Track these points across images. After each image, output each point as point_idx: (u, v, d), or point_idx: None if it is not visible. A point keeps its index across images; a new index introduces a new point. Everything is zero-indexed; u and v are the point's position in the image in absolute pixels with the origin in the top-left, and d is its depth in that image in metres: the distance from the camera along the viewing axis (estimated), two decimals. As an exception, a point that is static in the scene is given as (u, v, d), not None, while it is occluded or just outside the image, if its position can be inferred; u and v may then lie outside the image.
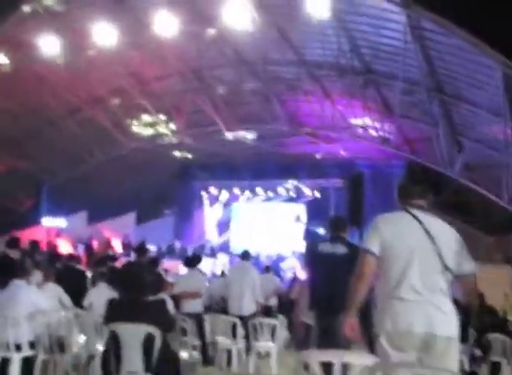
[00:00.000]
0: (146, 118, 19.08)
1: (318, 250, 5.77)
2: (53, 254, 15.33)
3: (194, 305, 8.21)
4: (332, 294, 5.24)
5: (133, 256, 7.99)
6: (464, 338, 3.50)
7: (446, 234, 3.52)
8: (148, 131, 19.37)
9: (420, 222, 3.46)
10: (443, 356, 3.29)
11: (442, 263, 3.39)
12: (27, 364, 6.01)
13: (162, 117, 18.73)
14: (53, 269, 8.33)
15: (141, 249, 8.29)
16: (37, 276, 8.71)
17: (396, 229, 3.51)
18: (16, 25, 14.68)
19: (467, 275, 3.52)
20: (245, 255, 8.78)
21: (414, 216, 3.50)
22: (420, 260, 3.39)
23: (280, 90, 17.07)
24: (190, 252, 22.08)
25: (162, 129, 18.84)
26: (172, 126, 18.48)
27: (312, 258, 6.03)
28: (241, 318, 7.94)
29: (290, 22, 14.50)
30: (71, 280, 8.47)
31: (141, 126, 18.90)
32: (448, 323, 3.34)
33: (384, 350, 3.35)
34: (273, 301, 10.59)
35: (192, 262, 8.86)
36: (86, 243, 21.79)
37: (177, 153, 21.43)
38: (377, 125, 16.17)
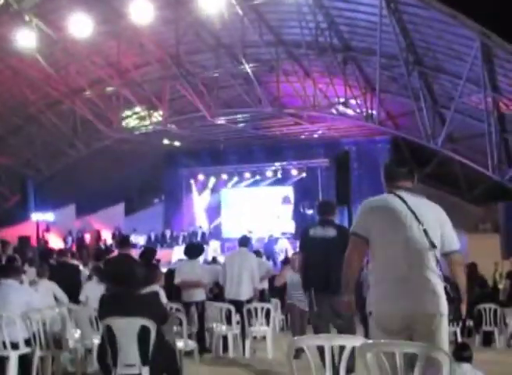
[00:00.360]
0: (128, 107, 18.97)
1: (309, 234, 5.99)
2: (45, 250, 15.30)
3: (196, 294, 8.21)
4: (325, 275, 5.58)
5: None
6: (456, 316, 3.54)
7: (432, 213, 3.59)
8: (131, 121, 19.29)
9: (406, 203, 3.51)
10: (433, 334, 3.36)
11: (429, 241, 3.46)
12: (24, 362, 6.04)
13: (144, 106, 18.62)
14: (46, 266, 8.31)
15: (123, 241, 8.17)
16: (31, 273, 8.71)
17: (383, 211, 3.56)
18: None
19: (453, 252, 3.60)
20: (243, 242, 8.73)
21: (399, 197, 3.55)
22: (407, 240, 3.46)
23: (260, 72, 17.00)
24: (181, 240, 22.15)
25: (145, 117, 18.75)
26: (155, 114, 18.38)
27: (304, 242, 6.19)
28: (238, 303, 7.98)
29: (266, 2, 14.42)
30: (64, 275, 8.45)
31: (123, 116, 18.79)
32: (435, 301, 3.41)
33: (374, 331, 3.43)
34: (265, 285, 10.64)
35: (194, 252, 8.77)
36: (77, 236, 21.77)
37: (162, 141, 21.33)
38: (359, 102, 16.18)
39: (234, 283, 8.15)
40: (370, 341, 3.18)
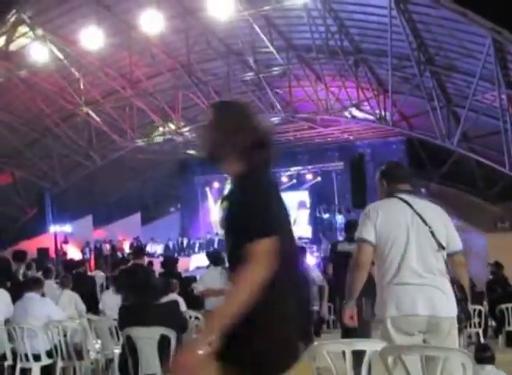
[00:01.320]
0: (141, 117, 19.09)
1: (337, 249, 7.20)
2: (69, 261, 15.39)
3: (217, 303, 8.13)
4: None
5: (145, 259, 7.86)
6: (466, 316, 3.52)
7: (436, 214, 3.59)
8: (145, 130, 19.39)
9: (410, 205, 3.50)
10: (447, 336, 3.36)
11: (436, 242, 3.45)
12: (47, 373, 6.09)
13: (158, 115, 18.73)
14: (70, 277, 8.40)
15: (137, 251, 8.19)
16: (51, 285, 8.78)
17: (388, 215, 3.53)
18: (3, 35, 14.69)
19: (457, 253, 3.59)
20: None
21: (403, 200, 3.53)
22: (416, 242, 3.44)
23: (272, 77, 17.03)
24: (197, 248, 22.20)
25: (159, 127, 18.84)
26: (169, 123, 18.46)
27: (333, 256, 7.43)
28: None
29: (275, 8, 14.44)
30: (81, 286, 8.53)
31: (137, 126, 18.90)
32: (449, 304, 3.40)
33: (390, 335, 3.37)
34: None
35: (218, 258, 8.71)
36: (95, 246, 21.90)
37: (176, 150, 21.42)
38: (372, 104, 16.12)
39: None
40: (391, 345, 3.15)
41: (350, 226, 6.84)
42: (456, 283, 3.45)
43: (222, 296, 8.01)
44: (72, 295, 7.64)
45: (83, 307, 7.63)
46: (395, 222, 3.50)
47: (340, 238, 19.97)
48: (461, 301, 3.42)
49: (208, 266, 9.27)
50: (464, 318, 3.46)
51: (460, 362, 2.92)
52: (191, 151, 22.48)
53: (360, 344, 3.19)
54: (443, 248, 3.45)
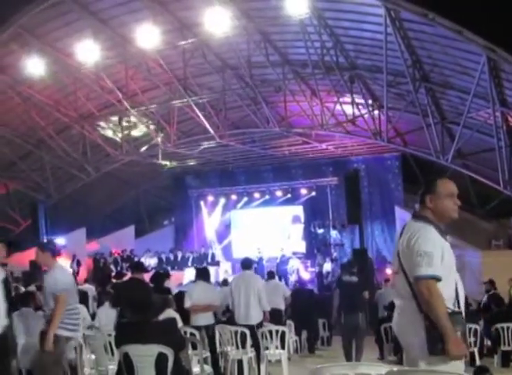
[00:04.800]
0: (136, 130, 19.10)
1: (342, 279, 9.83)
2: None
3: (206, 318, 8.12)
4: (351, 304, 9.40)
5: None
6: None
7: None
8: (139, 144, 19.37)
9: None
10: None
11: None
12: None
13: (152, 128, 18.74)
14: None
15: (137, 266, 8.12)
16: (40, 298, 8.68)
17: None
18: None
19: None
20: (246, 264, 8.56)
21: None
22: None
23: (267, 92, 17.09)
24: (191, 262, 22.09)
25: (153, 140, 18.83)
26: (163, 136, 18.46)
27: (339, 284, 10.00)
28: (249, 327, 7.89)
29: (271, 24, 14.54)
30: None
31: (132, 139, 18.89)
32: None
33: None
34: (281, 306, 10.59)
35: (204, 274, 8.69)
36: (95, 258, 21.79)
37: (171, 163, 21.41)
38: (367, 120, 16.19)
39: (242, 308, 8.05)
40: (396, 369, 3.12)
41: (349, 265, 10.53)
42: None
43: (210, 312, 7.90)
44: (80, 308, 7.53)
45: (88, 320, 7.57)
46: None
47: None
48: None
49: (194, 281, 9.16)
50: None
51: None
52: (186, 165, 22.52)
53: (364, 368, 3.15)
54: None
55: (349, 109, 16.24)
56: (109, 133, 19.07)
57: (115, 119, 18.14)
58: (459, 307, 3.32)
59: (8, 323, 5.17)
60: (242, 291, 8.07)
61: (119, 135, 18.57)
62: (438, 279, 3.26)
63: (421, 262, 3.28)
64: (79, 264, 21.23)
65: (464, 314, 3.36)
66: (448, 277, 3.33)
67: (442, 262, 3.33)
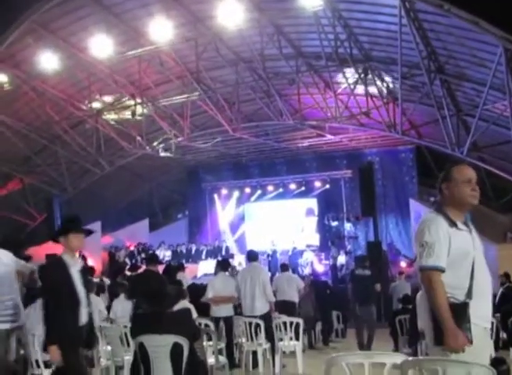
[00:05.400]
0: (149, 124, 19.14)
1: (355, 273, 10.70)
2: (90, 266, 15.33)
3: (226, 309, 8.19)
4: (364, 297, 10.18)
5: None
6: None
7: None
8: (152, 137, 19.43)
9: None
10: None
11: None
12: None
13: (166, 122, 18.77)
14: (93, 282, 8.39)
15: (152, 258, 8.19)
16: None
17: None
18: (13, 43, 14.76)
19: None
20: (252, 257, 8.61)
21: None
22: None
23: (281, 85, 17.04)
24: (204, 255, 22.18)
25: (167, 134, 18.87)
26: (177, 130, 18.49)
27: (352, 277, 10.97)
28: (263, 318, 7.91)
29: (284, 16, 14.47)
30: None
31: (145, 133, 18.94)
32: None
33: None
34: (295, 298, 10.62)
35: (225, 266, 8.76)
36: (110, 252, 21.90)
37: (185, 157, 21.45)
38: (381, 112, 16.08)
39: (248, 299, 8.11)
40: (411, 358, 3.11)
41: (363, 259, 11.27)
42: None
43: (230, 304, 8.02)
44: (96, 300, 7.57)
45: (105, 312, 7.64)
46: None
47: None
48: None
49: (215, 273, 9.28)
50: None
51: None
52: (199, 158, 22.55)
53: (379, 357, 3.14)
54: None
55: (363, 102, 16.15)
56: (122, 127, 19.12)
57: (128, 113, 18.20)
58: (470, 298, 3.20)
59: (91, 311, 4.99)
60: (248, 283, 8.13)
61: (133, 129, 18.64)
62: (440, 269, 3.19)
63: (422, 252, 3.25)
64: (84, 258, 21.35)
65: (488, 305, 3.31)
66: (458, 267, 3.24)
67: (450, 251, 3.24)
